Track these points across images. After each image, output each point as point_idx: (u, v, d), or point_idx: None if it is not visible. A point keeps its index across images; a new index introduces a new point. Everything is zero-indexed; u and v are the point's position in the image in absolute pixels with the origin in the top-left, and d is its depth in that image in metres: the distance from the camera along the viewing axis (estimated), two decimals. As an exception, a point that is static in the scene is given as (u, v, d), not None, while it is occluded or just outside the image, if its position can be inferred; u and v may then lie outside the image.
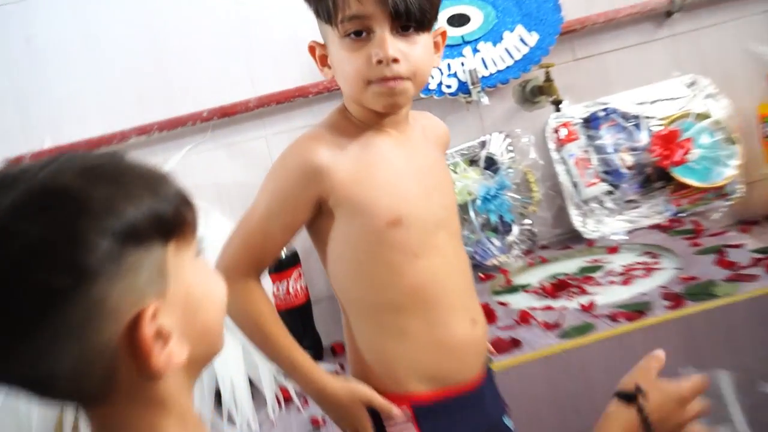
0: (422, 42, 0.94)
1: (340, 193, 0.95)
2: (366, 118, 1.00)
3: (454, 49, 1.90)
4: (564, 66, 2.00)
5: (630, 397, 0.81)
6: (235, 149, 1.91)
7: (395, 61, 0.90)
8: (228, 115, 1.88)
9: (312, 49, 1.00)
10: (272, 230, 0.96)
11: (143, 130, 1.84)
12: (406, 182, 0.99)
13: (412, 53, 0.92)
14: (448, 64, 1.90)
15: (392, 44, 0.90)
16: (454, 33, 1.91)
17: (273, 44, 1.88)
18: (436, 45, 1.01)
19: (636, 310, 1.38)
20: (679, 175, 1.90)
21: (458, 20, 1.91)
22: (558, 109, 1.87)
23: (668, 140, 1.92)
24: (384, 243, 0.96)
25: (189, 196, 0.58)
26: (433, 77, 1.89)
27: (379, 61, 0.90)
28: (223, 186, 1.88)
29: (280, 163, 0.96)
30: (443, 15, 1.91)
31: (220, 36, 1.87)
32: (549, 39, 1.90)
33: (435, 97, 1.90)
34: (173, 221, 0.56)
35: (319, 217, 0.98)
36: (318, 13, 0.96)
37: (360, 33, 0.91)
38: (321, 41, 1.00)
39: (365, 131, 0.99)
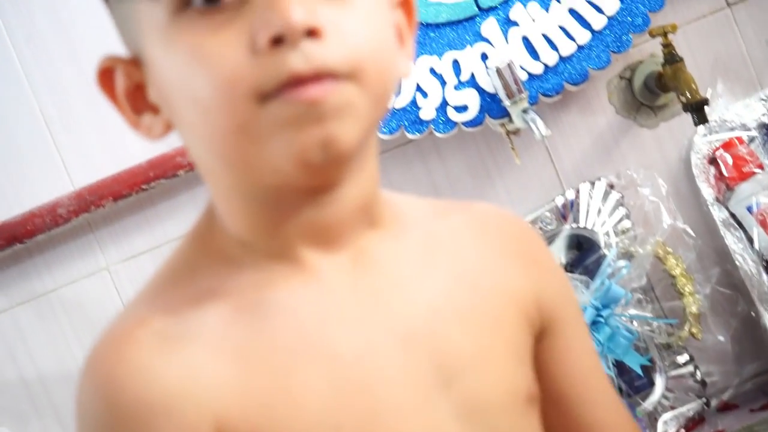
0: (364, 1, 0.88)
1: None
2: (256, 227, 0.93)
3: (463, 28, 1.84)
4: (702, 24, 1.97)
5: None
6: (51, 304, 1.92)
7: (313, 33, 0.82)
8: (22, 238, 1.86)
9: (106, 76, 0.94)
10: None
11: None
12: (377, 398, 0.93)
13: (348, 18, 0.86)
14: (455, 62, 1.84)
15: None
16: None
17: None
18: (396, 31, 0.96)
19: None
20: None
21: None
22: (702, 119, 1.78)
23: None
24: None
25: None
26: (427, 94, 1.84)
27: (276, 40, 0.82)
28: (35, 381, 1.90)
29: (79, 426, 0.92)
30: None
31: None
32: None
33: (436, 133, 1.84)
34: None
35: None
36: None
37: None
38: (125, 56, 0.94)
39: (254, 271, 0.93)
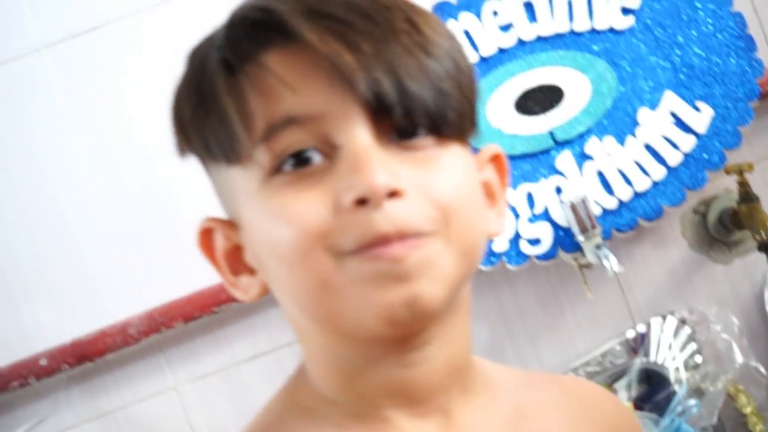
0: (451, 158, 0.89)
1: None
2: (343, 387, 0.93)
3: (537, 161, 1.86)
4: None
5: None
6: (118, 422, 1.93)
7: (395, 195, 0.83)
8: (92, 356, 1.88)
9: (206, 236, 0.96)
10: None
11: None
12: None
13: (431, 178, 0.87)
14: (529, 194, 1.85)
15: (382, 162, 0.84)
16: (534, 127, 1.86)
17: (176, 213, 1.95)
18: (486, 188, 0.96)
19: None
20: None
21: (539, 100, 1.87)
22: (776, 258, 1.76)
23: None
24: None
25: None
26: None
27: (360, 201, 0.83)
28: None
29: None
30: (507, 93, 1.87)
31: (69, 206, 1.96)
32: (738, 112, 1.86)
33: (508, 265, 1.84)
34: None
35: None
36: (206, 147, 0.92)
37: (305, 158, 0.86)
38: (224, 217, 0.96)
39: (338, 430, 0.93)
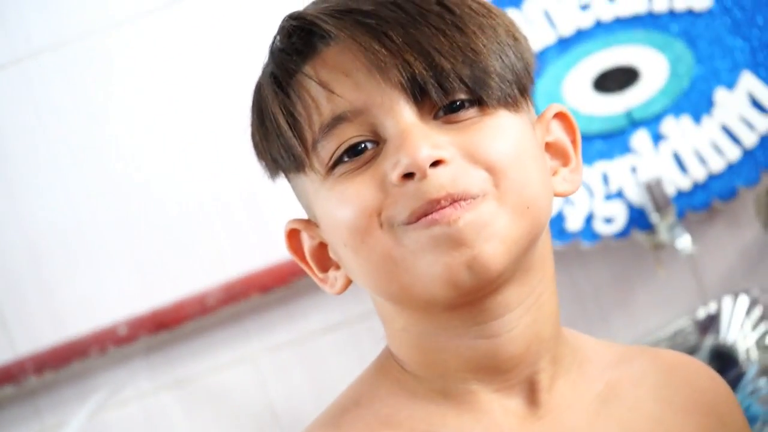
0: (497, 122, 0.91)
1: None
2: (427, 366, 0.95)
3: (614, 140, 1.85)
4: None
5: None
6: (193, 390, 1.94)
7: (438, 163, 0.86)
8: (171, 325, 1.91)
9: (293, 237, 0.99)
10: None
11: (10, 375, 1.90)
12: None
13: (475, 141, 0.89)
14: (604, 174, 1.83)
15: (424, 136, 0.87)
16: (610, 106, 1.85)
17: (255, 185, 1.82)
18: (555, 147, 0.98)
19: None
20: None
21: (616, 80, 1.86)
22: None
23: None
24: None
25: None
26: (574, 204, 1.85)
27: (407, 175, 0.86)
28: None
29: None
30: (583, 72, 1.87)
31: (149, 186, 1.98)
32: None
33: (584, 244, 1.83)
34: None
35: None
36: (275, 161, 0.97)
37: (359, 149, 0.90)
38: (306, 218, 1.00)
39: (427, 403, 0.94)
